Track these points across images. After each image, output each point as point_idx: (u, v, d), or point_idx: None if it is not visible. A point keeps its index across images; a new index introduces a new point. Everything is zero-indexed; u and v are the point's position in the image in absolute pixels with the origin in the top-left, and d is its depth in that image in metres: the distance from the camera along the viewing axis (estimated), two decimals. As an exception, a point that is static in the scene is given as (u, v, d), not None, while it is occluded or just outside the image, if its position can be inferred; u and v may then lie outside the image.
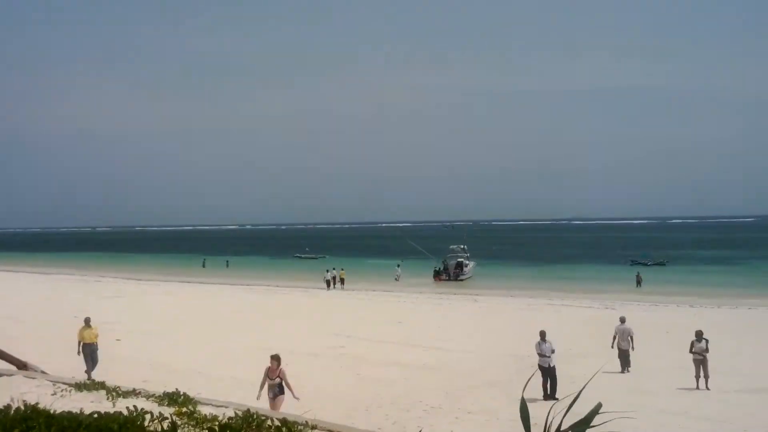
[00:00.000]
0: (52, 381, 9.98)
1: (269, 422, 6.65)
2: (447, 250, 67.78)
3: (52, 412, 6.24)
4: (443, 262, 64.70)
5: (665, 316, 35.33)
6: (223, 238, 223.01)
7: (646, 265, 74.02)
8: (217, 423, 6.54)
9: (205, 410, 8.03)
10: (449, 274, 62.25)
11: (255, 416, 7.05)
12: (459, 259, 65.13)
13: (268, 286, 55.90)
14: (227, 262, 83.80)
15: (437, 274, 62.25)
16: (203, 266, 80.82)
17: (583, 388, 3.61)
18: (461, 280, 61.21)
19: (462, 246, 68.26)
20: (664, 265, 74.42)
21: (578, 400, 3.77)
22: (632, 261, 77.28)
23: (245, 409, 7.67)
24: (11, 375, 10.36)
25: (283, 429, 5.78)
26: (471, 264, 66.68)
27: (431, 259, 66.50)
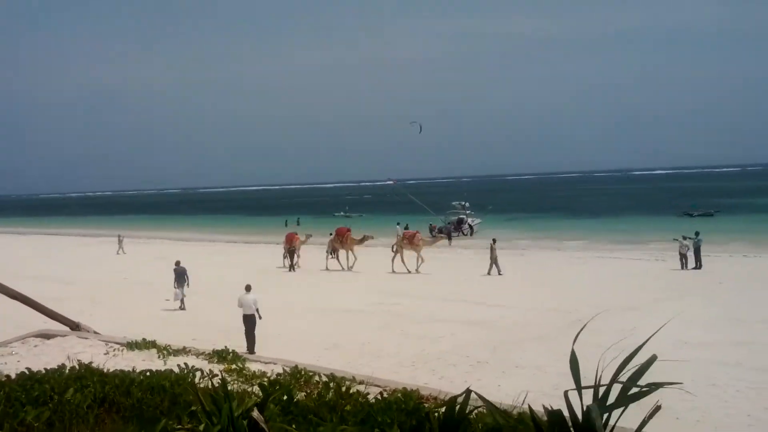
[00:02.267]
0: (104, 341, 10.19)
1: (317, 377, 6.69)
2: (449, 206, 66.99)
3: (105, 370, 6.35)
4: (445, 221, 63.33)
5: (717, 268, 34.61)
6: (252, 198, 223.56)
7: (691, 215, 72.51)
8: (266, 379, 6.59)
9: (253, 367, 8.12)
10: (434, 232, 57.57)
11: (303, 372, 7.09)
12: (460, 216, 64.23)
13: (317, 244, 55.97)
14: (298, 220, 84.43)
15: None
16: (285, 225, 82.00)
17: (644, 344, 3.50)
18: (453, 236, 58.67)
19: (462, 203, 67.25)
20: (712, 215, 72.68)
21: (625, 349, 3.68)
22: (684, 212, 75.45)
23: (293, 365, 7.73)
24: (65, 335, 10.61)
25: (331, 384, 5.79)
26: (472, 221, 65.05)
27: (435, 216, 64.99)
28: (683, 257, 34.94)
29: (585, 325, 4.14)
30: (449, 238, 54.47)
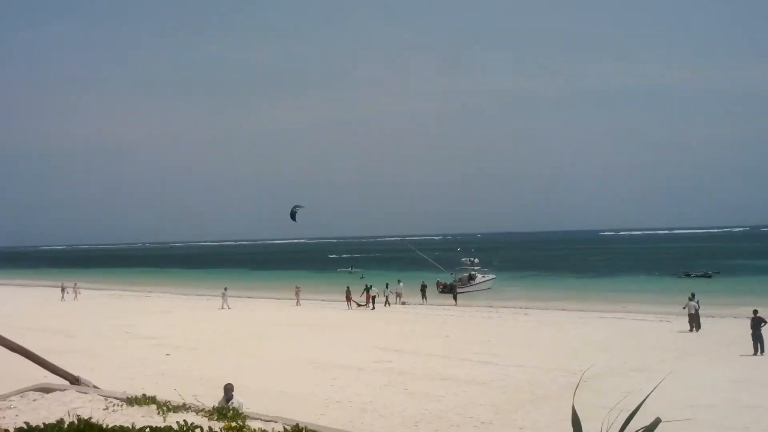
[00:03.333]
0: (104, 396, 10.09)
1: (318, 437, 6.61)
2: (458, 262, 67.02)
3: (104, 426, 6.30)
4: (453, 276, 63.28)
5: (721, 329, 34.40)
6: (250, 252, 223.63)
7: (689, 276, 72.43)
8: (266, 437, 6.52)
9: (254, 425, 8.02)
10: (445, 288, 58.04)
11: (304, 430, 7.01)
12: (470, 273, 64.09)
13: (313, 300, 55.99)
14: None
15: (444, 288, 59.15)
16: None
17: (643, 402, 3.49)
18: (460, 293, 58.38)
19: (471, 259, 67.21)
20: (710, 277, 72.50)
21: (628, 411, 3.65)
22: (685, 273, 75.40)
23: (294, 423, 7.64)
24: (64, 389, 10.50)
25: (333, 444, 5.73)
26: (482, 277, 64.74)
27: (444, 272, 65.08)
28: (693, 318, 34.14)
29: (579, 382, 4.12)
30: (454, 296, 54.03)
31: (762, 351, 27.15)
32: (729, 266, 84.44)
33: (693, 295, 35.42)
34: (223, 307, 48.68)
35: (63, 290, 57.22)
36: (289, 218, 51.51)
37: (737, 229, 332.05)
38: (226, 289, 51.44)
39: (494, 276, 66.60)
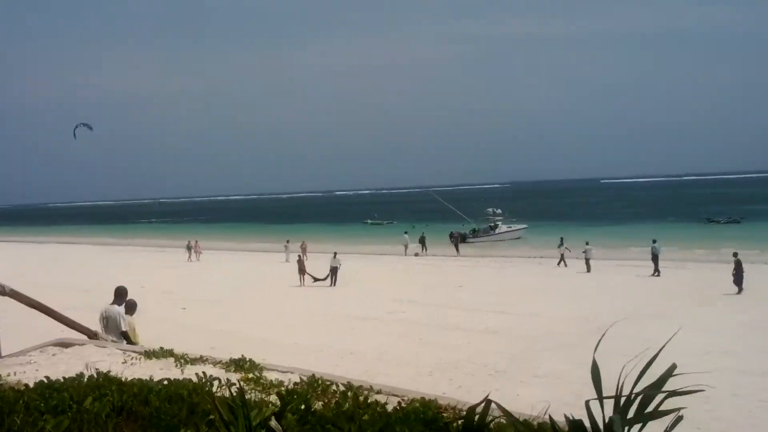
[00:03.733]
0: (122, 349, 10.20)
1: (334, 386, 6.66)
2: (483, 212, 67.07)
3: (123, 379, 6.36)
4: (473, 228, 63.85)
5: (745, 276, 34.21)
6: (285, 205, 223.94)
7: (719, 222, 71.34)
8: (283, 388, 6.57)
9: (270, 376, 8.09)
10: (455, 238, 57.05)
11: (320, 381, 7.06)
12: (493, 223, 64.22)
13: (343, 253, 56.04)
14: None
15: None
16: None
17: (660, 350, 3.44)
18: (472, 242, 59.37)
19: (495, 209, 67.14)
20: (739, 222, 71.37)
21: (645, 358, 3.61)
22: (708, 219, 74.24)
23: (310, 374, 7.70)
24: (83, 344, 10.63)
25: (348, 393, 5.75)
26: (506, 227, 64.89)
27: (469, 222, 65.44)
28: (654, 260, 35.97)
29: (605, 333, 4.06)
30: (456, 246, 54.22)
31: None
32: (758, 211, 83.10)
33: (654, 241, 37.16)
34: (287, 260, 48.79)
35: (189, 250, 54.13)
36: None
37: (755, 175, 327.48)
38: (288, 241, 51.87)
39: (526, 226, 66.51)
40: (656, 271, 35.28)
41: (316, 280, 36.15)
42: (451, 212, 67.70)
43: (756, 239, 50.08)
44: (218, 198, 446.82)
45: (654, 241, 36.69)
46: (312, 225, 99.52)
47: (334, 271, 36.02)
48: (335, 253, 36.80)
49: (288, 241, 51.46)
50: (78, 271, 44.75)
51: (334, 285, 35.31)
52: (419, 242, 54.03)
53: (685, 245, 49.51)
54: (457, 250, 53.39)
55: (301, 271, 37.16)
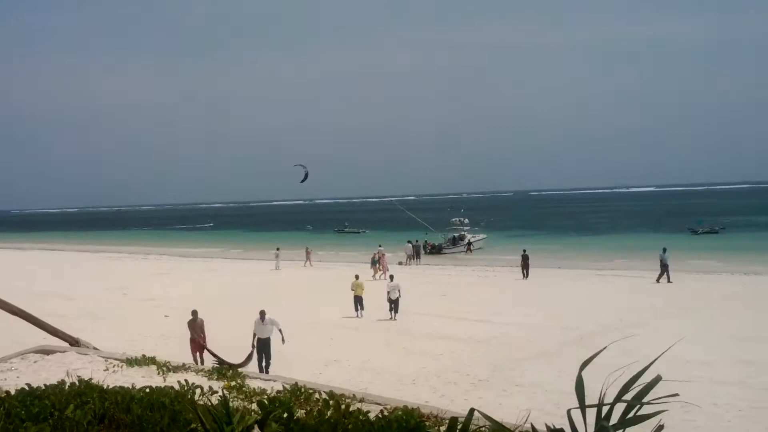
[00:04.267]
0: (104, 357, 10.15)
1: (317, 395, 6.66)
2: (448, 223, 66.96)
3: (104, 386, 6.33)
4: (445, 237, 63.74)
5: (723, 285, 34.57)
6: (248, 215, 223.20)
7: (696, 233, 71.88)
8: (266, 396, 6.57)
9: (253, 384, 8.08)
10: (417, 252, 55.58)
11: (303, 389, 7.06)
12: (460, 233, 64.14)
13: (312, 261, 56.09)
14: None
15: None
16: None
17: (651, 364, 3.48)
18: (444, 253, 59.38)
19: (461, 219, 67.07)
20: (717, 233, 71.94)
21: (627, 369, 3.65)
22: (689, 229, 74.53)
23: (293, 382, 7.70)
24: (64, 351, 10.57)
25: (331, 401, 5.76)
26: (473, 237, 64.86)
27: (434, 232, 65.25)
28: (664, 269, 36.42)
29: (600, 351, 4.06)
30: (417, 256, 53.46)
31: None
32: (737, 222, 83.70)
33: (664, 249, 37.38)
34: (277, 268, 48.76)
35: (277, 258, 50.76)
36: (299, 180, 48.22)
37: (739, 186, 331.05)
38: (278, 249, 51.41)
39: (485, 236, 66.76)
40: (666, 277, 36.08)
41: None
42: (413, 222, 67.52)
43: (730, 248, 50.93)
44: (188, 206, 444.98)
45: (664, 250, 37.01)
46: (285, 233, 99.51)
47: (394, 303, 27.14)
48: (392, 276, 29.87)
49: (278, 249, 51.13)
50: (60, 278, 44.40)
51: (395, 318, 27.04)
52: (411, 252, 53.77)
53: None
54: (419, 258, 53.48)
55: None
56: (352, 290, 28.06)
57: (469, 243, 61.52)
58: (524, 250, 40.83)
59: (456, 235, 63.87)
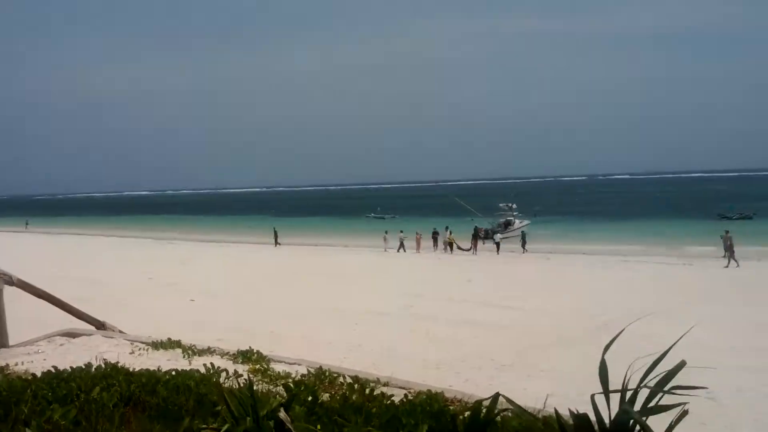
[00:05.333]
0: (129, 340, 10.25)
1: (341, 379, 6.68)
2: (496, 208, 66.16)
3: (131, 369, 6.39)
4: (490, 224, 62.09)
5: (753, 272, 34.15)
6: (282, 200, 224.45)
7: (730, 218, 70.45)
8: (291, 380, 6.60)
9: (278, 368, 8.12)
10: (487, 234, 56.11)
11: (327, 373, 7.09)
12: (507, 219, 63.28)
13: (341, 246, 56.28)
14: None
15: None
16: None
17: (670, 348, 3.44)
18: (496, 242, 57.16)
19: (509, 204, 66.03)
20: (751, 218, 70.61)
21: (652, 355, 3.61)
22: (720, 215, 73.31)
23: (317, 366, 7.73)
24: (91, 335, 10.69)
25: (356, 385, 5.78)
26: (519, 222, 63.85)
27: (480, 218, 64.20)
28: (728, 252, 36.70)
29: (619, 333, 4.04)
30: (450, 247, 52.04)
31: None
32: (765, 208, 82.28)
33: (727, 232, 38.00)
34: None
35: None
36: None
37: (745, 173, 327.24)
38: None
39: (529, 221, 65.74)
40: (734, 261, 36.33)
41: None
42: (455, 208, 67.21)
43: (764, 234, 50.04)
44: (221, 191, 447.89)
45: (726, 232, 37.28)
46: (316, 219, 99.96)
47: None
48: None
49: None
50: (89, 263, 44.89)
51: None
52: (432, 238, 53.76)
53: (697, 241, 49.18)
54: (475, 248, 51.22)
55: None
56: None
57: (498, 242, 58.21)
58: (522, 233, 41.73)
59: (503, 220, 62.88)
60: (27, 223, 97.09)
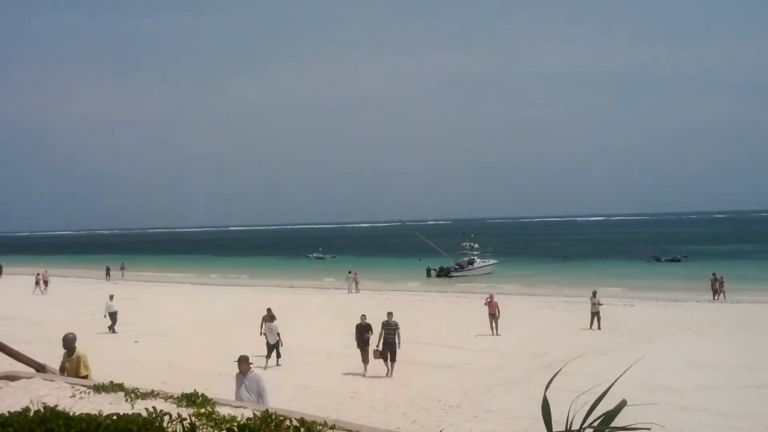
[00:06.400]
0: (70, 383, 9.99)
1: (287, 422, 6.64)
2: (459, 247, 67.40)
3: (71, 414, 6.25)
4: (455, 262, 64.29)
5: (683, 313, 35.03)
6: (225, 239, 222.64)
7: (659, 260, 73.08)
8: (235, 423, 6.52)
9: (223, 411, 8.01)
10: (441, 272, 61.10)
11: (273, 416, 7.03)
12: (469, 258, 64.62)
13: (282, 287, 55.95)
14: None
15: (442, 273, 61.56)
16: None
17: (609, 387, 3.54)
18: (452, 276, 60.57)
19: (471, 244, 67.59)
20: (680, 261, 73.18)
21: (594, 393, 3.71)
22: (654, 257, 75.81)
23: (263, 409, 7.66)
24: (30, 377, 10.38)
25: (302, 429, 5.75)
26: (482, 262, 65.37)
27: (445, 257, 65.75)
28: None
29: (558, 372, 4.14)
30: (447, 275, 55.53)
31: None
32: (697, 251, 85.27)
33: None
34: (350, 292, 49.79)
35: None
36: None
37: (716, 216, 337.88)
38: (350, 272, 52.45)
39: (496, 261, 67.24)
40: (720, 294, 38.95)
41: None
42: (414, 246, 68.39)
43: (693, 276, 51.79)
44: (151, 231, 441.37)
45: (714, 274, 40.54)
46: (255, 258, 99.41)
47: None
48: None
49: (349, 272, 52.40)
50: (28, 303, 43.65)
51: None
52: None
53: (631, 283, 50.43)
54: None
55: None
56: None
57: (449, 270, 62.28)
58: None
59: (467, 259, 64.21)
60: None
